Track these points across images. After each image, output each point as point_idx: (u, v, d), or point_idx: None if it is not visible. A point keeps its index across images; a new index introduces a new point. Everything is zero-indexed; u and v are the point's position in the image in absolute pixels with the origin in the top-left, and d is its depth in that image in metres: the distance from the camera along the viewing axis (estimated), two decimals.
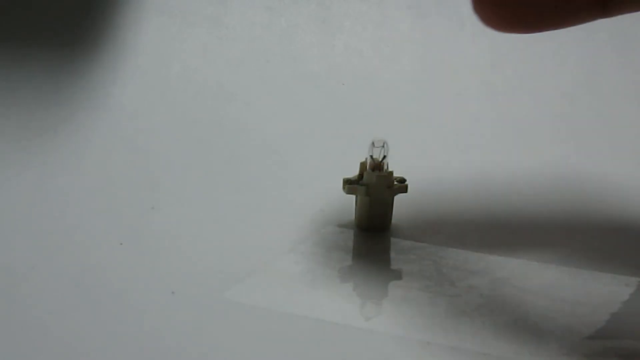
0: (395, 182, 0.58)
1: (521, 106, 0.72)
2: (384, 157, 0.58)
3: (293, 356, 0.46)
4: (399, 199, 0.59)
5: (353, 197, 0.59)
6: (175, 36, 0.76)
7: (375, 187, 0.58)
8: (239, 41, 0.76)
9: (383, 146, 0.58)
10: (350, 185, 0.58)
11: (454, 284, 0.52)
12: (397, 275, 0.55)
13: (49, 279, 0.52)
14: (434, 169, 0.67)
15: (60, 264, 0.53)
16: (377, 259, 0.56)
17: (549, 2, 0.47)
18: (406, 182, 0.59)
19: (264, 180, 0.63)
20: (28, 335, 0.47)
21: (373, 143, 0.58)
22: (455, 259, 0.56)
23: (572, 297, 0.52)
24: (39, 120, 0.70)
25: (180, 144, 0.69)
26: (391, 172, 0.58)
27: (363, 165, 0.58)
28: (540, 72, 0.74)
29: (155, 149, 0.69)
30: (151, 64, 0.75)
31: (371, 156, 0.58)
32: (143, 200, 0.61)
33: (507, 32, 0.48)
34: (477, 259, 0.56)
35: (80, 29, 0.76)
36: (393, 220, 0.59)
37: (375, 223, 0.59)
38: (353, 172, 0.59)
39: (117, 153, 0.68)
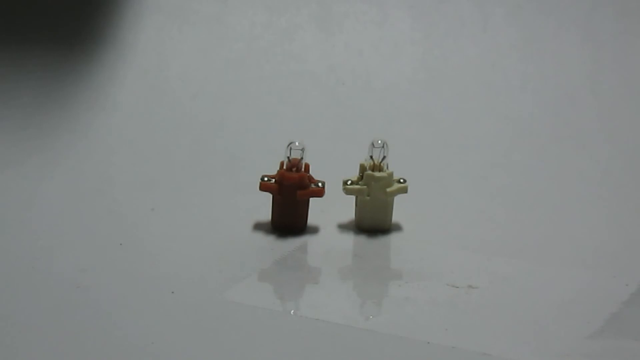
0: (395, 183, 0.58)
1: (521, 106, 0.72)
2: (384, 157, 0.58)
3: (293, 356, 0.46)
4: (399, 199, 0.59)
5: (353, 197, 0.59)
6: (175, 36, 0.76)
7: (375, 187, 0.58)
8: (239, 41, 0.76)
9: (383, 147, 0.58)
10: (350, 186, 0.58)
11: (454, 284, 0.53)
12: (397, 275, 0.55)
13: (49, 279, 0.52)
14: (434, 169, 0.67)
15: (60, 264, 0.53)
16: (377, 259, 0.56)
17: None
18: (406, 183, 0.59)
19: None
20: (28, 335, 0.47)
21: (373, 144, 0.58)
22: (455, 259, 0.56)
23: (572, 297, 0.52)
24: (39, 121, 0.70)
25: (180, 145, 0.69)
26: (391, 173, 0.58)
27: (363, 166, 0.58)
28: (541, 72, 0.74)
29: (155, 149, 0.69)
30: (151, 63, 0.75)
31: (371, 157, 0.58)
32: (143, 201, 0.61)
33: None
34: (476, 258, 0.56)
35: (80, 28, 0.76)
36: (393, 220, 0.59)
37: (374, 223, 0.59)
38: (353, 172, 0.59)
39: (117, 153, 0.68)
